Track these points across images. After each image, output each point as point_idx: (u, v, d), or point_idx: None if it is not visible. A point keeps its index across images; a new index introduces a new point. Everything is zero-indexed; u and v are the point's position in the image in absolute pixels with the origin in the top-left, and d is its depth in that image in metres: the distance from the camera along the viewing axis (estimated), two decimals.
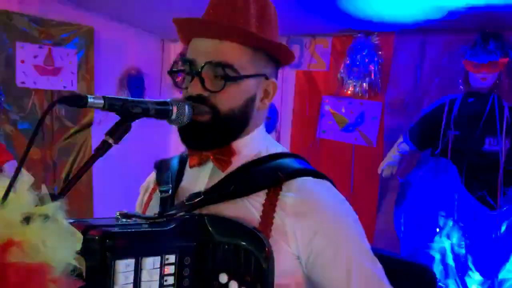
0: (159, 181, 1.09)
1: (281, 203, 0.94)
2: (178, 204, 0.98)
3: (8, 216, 0.71)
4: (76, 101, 0.81)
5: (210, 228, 0.88)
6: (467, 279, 2.68)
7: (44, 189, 0.77)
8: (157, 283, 0.82)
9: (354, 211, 1.00)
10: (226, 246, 0.87)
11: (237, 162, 1.01)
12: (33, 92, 3.40)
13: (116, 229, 0.82)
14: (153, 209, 1.03)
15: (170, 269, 0.83)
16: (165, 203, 1.01)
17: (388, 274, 0.99)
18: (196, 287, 0.87)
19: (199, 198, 0.95)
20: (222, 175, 1.00)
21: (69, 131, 3.66)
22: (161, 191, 1.04)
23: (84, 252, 0.77)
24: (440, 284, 2.73)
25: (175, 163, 1.12)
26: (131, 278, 0.79)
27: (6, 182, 0.73)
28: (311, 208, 0.95)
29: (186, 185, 1.06)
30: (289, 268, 0.93)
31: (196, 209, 0.95)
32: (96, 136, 3.72)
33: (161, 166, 1.14)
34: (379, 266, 0.98)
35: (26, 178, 0.75)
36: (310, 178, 0.98)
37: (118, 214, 0.91)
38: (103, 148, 0.84)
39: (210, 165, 1.02)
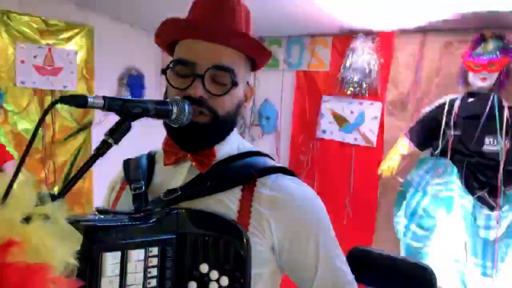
0: (128, 179, 1.09)
1: (256, 198, 0.97)
2: (154, 199, 0.99)
3: (8, 216, 0.71)
4: (76, 101, 0.81)
5: (189, 221, 0.92)
6: (467, 279, 2.68)
7: (44, 189, 0.77)
8: (142, 274, 0.85)
9: (323, 205, 1.05)
10: (206, 238, 0.90)
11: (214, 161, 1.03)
12: (33, 92, 3.41)
13: (102, 223, 0.84)
14: (124, 207, 1.04)
15: (153, 261, 0.87)
16: (139, 199, 1.02)
17: (388, 274, 1.00)
18: (177, 278, 0.90)
19: (176, 194, 0.97)
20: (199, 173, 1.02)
21: (69, 131, 3.66)
22: (134, 188, 1.04)
23: None
24: (440, 284, 2.73)
25: (143, 162, 1.13)
26: (117, 270, 0.82)
27: (6, 182, 0.73)
28: (285, 203, 0.98)
29: (159, 182, 1.06)
30: (264, 259, 0.96)
31: (173, 204, 0.96)
32: (96, 136, 3.73)
33: (129, 165, 1.14)
34: (343, 256, 1.03)
35: (26, 178, 0.75)
36: (280, 174, 1.02)
37: (95, 210, 0.92)
38: (103, 148, 0.84)
39: (187, 164, 1.04)
